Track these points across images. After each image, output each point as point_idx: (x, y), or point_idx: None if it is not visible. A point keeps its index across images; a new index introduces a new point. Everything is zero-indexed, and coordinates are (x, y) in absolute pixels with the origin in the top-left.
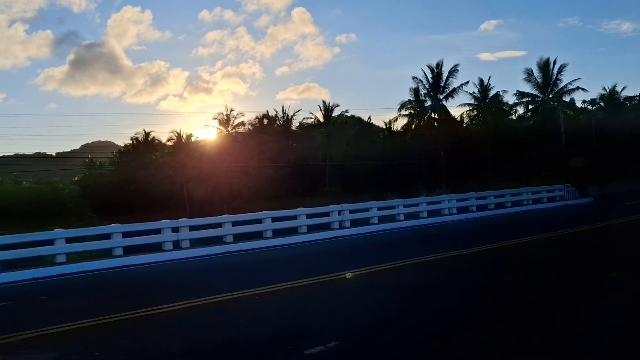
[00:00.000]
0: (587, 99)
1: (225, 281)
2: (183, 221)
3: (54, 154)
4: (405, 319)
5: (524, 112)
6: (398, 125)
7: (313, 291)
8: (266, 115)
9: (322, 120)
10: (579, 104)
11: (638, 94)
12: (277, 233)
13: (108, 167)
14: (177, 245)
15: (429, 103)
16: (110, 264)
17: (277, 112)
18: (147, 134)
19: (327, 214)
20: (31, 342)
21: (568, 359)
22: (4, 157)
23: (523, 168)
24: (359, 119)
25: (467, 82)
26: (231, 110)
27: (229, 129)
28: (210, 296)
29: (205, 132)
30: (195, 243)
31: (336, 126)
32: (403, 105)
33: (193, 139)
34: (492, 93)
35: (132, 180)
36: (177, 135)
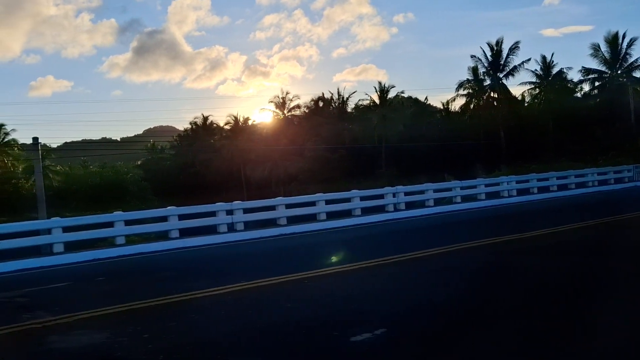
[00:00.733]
0: None
1: (276, 264)
2: (237, 204)
3: (118, 139)
4: (456, 307)
5: (590, 90)
6: (456, 105)
7: (364, 275)
8: (322, 98)
9: (377, 101)
10: None
11: None
12: (331, 215)
13: (169, 151)
14: (231, 227)
15: (488, 82)
16: (167, 246)
17: (332, 94)
18: (205, 118)
19: (381, 197)
20: (85, 322)
21: None
22: (72, 142)
23: (588, 148)
24: (416, 99)
25: (529, 60)
26: (287, 94)
27: (285, 111)
28: (260, 279)
29: (262, 116)
30: (250, 225)
31: (392, 107)
32: (461, 85)
33: (250, 122)
34: (555, 70)
35: (191, 163)
36: (234, 119)
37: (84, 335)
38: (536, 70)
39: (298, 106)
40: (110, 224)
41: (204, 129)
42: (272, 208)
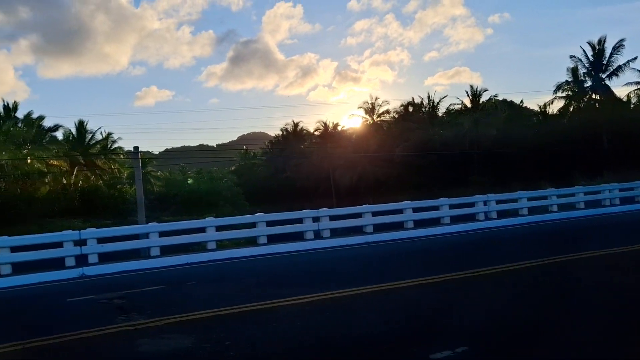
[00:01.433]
0: None
1: (360, 273)
2: (323, 211)
3: (214, 146)
4: (544, 326)
5: None
6: (554, 108)
7: (449, 288)
8: (411, 103)
9: (469, 105)
10: None
11: None
12: (419, 224)
13: (260, 157)
14: (317, 234)
15: (589, 83)
16: (255, 252)
17: (422, 99)
18: (295, 125)
19: (472, 205)
20: (174, 326)
21: None
22: (172, 149)
23: None
24: (511, 103)
25: (635, 59)
26: (376, 99)
27: (374, 117)
28: (342, 289)
29: (351, 121)
30: (336, 232)
31: (485, 111)
32: (559, 87)
33: (339, 128)
34: None
35: (282, 169)
36: (323, 125)
37: (171, 340)
38: None
39: (387, 111)
40: (202, 230)
41: (294, 135)
42: (358, 215)
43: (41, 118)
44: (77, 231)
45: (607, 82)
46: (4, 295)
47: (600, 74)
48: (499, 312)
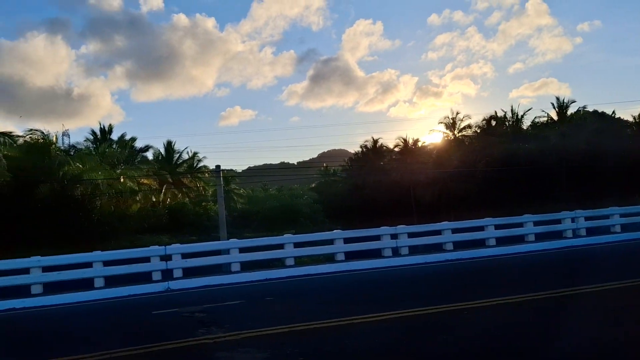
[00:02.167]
0: None
1: (437, 292)
2: (402, 228)
3: (295, 163)
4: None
5: None
6: None
7: (528, 309)
8: (494, 117)
9: (555, 118)
10: None
11: None
12: (501, 241)
13: (340, 174)
14: (396, 251)
15: None
16: (333, 269)
17: (505, 112)
18: (375, 141)
19: (558, 221)
20: (250, 341)
21: None
22: (255, 167)
23: None
24: (602, 113)
25: None
26: (457, 114)
27: (455, 132)
28: (419, 308)
29: (432, 137)
30: (415, 250)
31: (573, 124)
32: None
33: (419, 144)
34: None
35: (361, 186)
36: (403, 141)
37: (246, 354)
38: None
39: (469, 126)
40: (280, 246)
41: (373, 152)
42: (437, 232)
43: (133, 139)
44: (163, 247)
45: None
46: (97, 306)
47: None
48: (585, 339)
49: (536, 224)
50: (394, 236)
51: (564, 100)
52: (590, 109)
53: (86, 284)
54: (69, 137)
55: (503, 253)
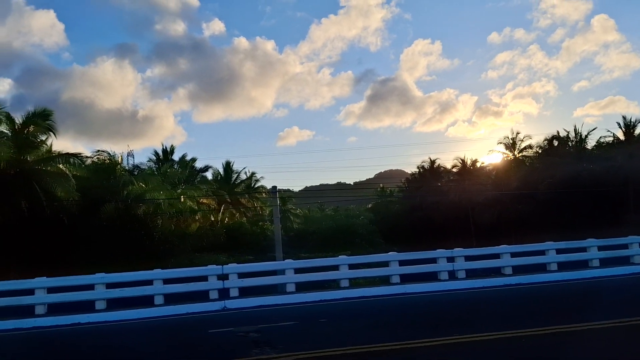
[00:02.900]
0: None
1: (494, 317)
2: (458, 251)
3: (352, 183)
4: None
5: None
6: None
7: (591, 338)
8: (556, 137)
9: (622, 138)
10: None
11: None
12: (563, 266)
13: (397, 195)
14: (452, 275)
15: None
16: (388, 291)
17: (567, 132)
18: (432, 162)
19: (625, 246)
20: None
21: None
22: (311, 187)
23: None
24: None
25: None
26: (517, 134)
27: (515, 152)
28: (475, 334)
29: (491, 157)
30: (472, 274)
31: None
32: None
33: (478, 164)
34: None
35: (418, 207)
36: (461, 161)
37: None
38: None
39: (530, 146)
40: (335, 267)
41: (431, 173)
42: (495, 256)
43: (194, 160)
44: (221, 266)
45: None
46: (156, 323)
47: None
48: None
49: (601, 248)
50: (450, 259)
51: (631, 119)
52: None
53: (147, 301)
54: (133, 158)
55: (566, 279)
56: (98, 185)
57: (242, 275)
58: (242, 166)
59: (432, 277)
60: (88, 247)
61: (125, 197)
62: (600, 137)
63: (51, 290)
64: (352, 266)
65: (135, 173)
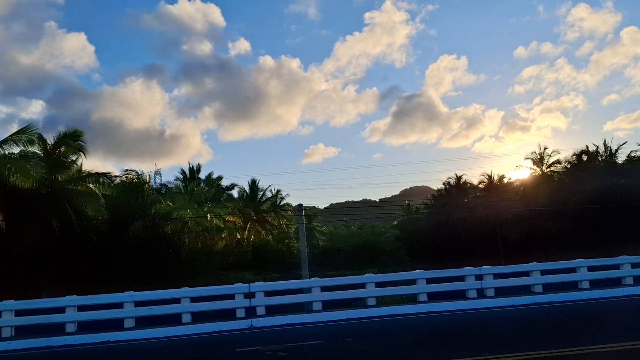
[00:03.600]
0: None
1: (525, 336)
2: (486, 268)
3: (377, 200)
4: None
5: None
6: None
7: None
8: (585, 151)
9: None
10: None
11: None
12: (595, 284)
13: (423, 212)
14: (481, 293)
15: None
16: (415, 310)
17: (597, 146)
18: (458, 178)
19: None
20: None
21: None
22: (337, 204)
23: None
24: None
25: None
26: (545, 149)
27: (543, 168)
28: (502, 354)
29: (518, 173)
30: (502, 292)
31: None
32: None
33: (505, 180)
34: None
35: (445, 223)
36: (488, 177)
37: None
38: None
39: (558, 161)
40: (362, 285)
41: (457, 189)
42: (525, 274)
43: (220, 178)
44: (247, 284)
45: None
46: (184, 342)
47: None
48: None
49: (634, 266)
50: (478, 277)
51: None
52: None
53: (175, 319)
54: (161, 176)
55: (598, 297)
56: (126, 204)
57: (268, 294)
58: (268, 184)
59: (460, 295)
60: (117, 266)
61: (152, 216)
62: (631, 152)
63: (81, 308)
64: (378, 284)
65: (163, 192)
